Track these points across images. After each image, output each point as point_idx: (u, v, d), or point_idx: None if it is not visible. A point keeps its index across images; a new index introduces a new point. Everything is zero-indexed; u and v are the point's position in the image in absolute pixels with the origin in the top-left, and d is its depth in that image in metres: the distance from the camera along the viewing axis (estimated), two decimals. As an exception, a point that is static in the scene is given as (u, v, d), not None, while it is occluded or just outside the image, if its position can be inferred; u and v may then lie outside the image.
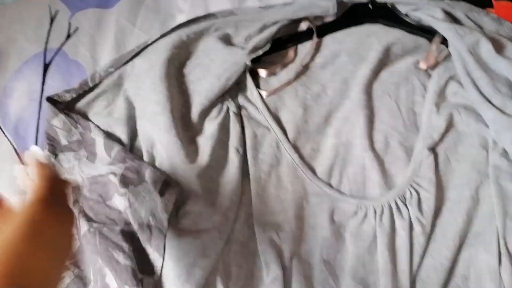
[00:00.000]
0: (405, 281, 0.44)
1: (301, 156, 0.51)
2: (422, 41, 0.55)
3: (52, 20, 0.64)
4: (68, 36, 0.63)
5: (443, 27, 0.52)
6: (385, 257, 0.44)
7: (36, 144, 0.57)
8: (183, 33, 0.57)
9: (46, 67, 0.62)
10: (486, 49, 0.50)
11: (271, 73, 0.56)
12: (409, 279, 0.44)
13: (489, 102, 0.48)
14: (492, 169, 0.47)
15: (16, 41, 0.63)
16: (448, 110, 0.50)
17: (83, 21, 0.64)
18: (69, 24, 0.64)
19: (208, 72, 0.54)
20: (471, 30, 0.51)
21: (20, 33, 0.64)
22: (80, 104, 0.57)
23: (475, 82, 0.49)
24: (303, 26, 0.58)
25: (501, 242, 0.44)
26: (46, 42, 0.63)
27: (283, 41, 0.57)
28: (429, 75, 0.54)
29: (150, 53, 0.58)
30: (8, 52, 0.63)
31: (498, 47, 0.51)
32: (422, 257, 0.45)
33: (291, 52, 0.57)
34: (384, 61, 0.54)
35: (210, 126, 0.51)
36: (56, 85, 0.60)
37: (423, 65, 0.53)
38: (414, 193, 0.47)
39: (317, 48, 0.57)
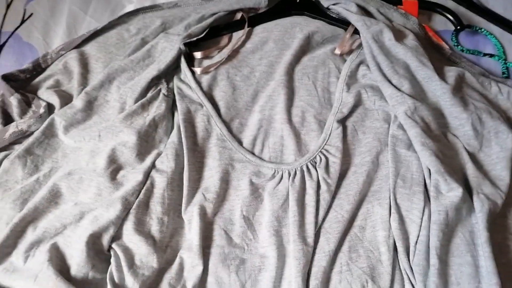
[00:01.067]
0: (310, 232, 0.50)
1: (229, 129, 0.57)
2: (340, 31, 0.63)
3: (8, 6, 0.69)
4: (23, 21, 0.68)
5: (355, 19, 0.60)
6: (294, 212, 0.50)
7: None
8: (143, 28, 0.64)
9: (0, 48, 0.65)
10: (388, 37, 0.58)
11: (206, 56, 0.62)
12: (314, 230, 0.50)
13: (389, 81, 0.56)
14: (390, 138, 0.55)
15: (-28, 25, 0.67)
16: (357, 89, 0.58)
17: (37, 8, 0.69)
18: (24, 10, 0.69)
19: (150, 57, 0.61)
20: (377, 22, 0.59)
21: (-24, 18, 0.68)
22: (32, 84, 0.62)
23: (379, 65, 0.58)
24: (238, 16, 0.65)
25: (391, 196, 0.51)
26: (1, 26, 0.67)
27: (220, 29, 0.64)
28: (344, 60, 0.62)
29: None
30: (-36, 34, 0.66)
31: (401, 37, 0.60)
32: (327, 211, 0.51)
33: (225, 39, 0.64)
34: (306, 47, 0.62)
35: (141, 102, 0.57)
36: (9, 65, 0.64)
37: (337, 51, 0.61)
38: (323, 158, 0.54)
39: (248, 36, 0.64)
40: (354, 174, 0.54)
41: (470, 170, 0.53)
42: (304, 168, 0.54)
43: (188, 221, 0.51)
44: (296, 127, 0.57)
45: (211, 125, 0.57)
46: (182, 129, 0.55)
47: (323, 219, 0.51)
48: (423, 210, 0.50)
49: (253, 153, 0.56)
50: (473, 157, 0.54)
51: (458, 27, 0.66)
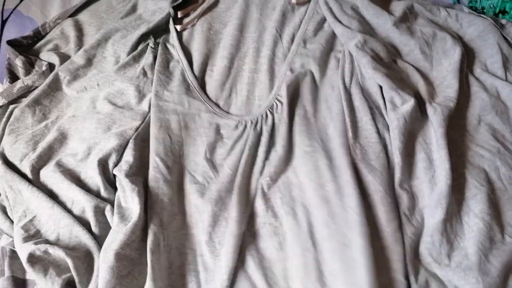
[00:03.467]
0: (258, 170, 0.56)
1: (199, 82, 0.63)
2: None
3: (8, -13, 0.76)
4: (22, -1, 0.75)
5: None
6: (248, 152, 0.56)
7: (-3, 80, 0.68)
8: None
9: (3, 23, 0.73)
10: None
11: (185, 14, 0.68)
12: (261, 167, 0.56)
13: (340, 22, 0.62)
14: (340, 70, 0.60)
15: (-23, 5, 0.75)
16: (312, 44, 0.63)
17: (35, -14, 0.76)
18: (23, -11, 0.76)
19: (140, 19, 0.68)
20: None
21: (-19, -1, 0.75)
22: (34, 48, 0.70)
23: (331, 10, 0.63)
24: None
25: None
26: (3, 4, 0.74)
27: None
28: (305, 12, 0.66)
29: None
30: (-30, 14, 0.74)
31: None
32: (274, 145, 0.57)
33: (200, -1, 0.70)
34: (271, 2, 0.67)
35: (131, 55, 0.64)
36: (12, 36, 0.70)
37: (293, 0, 0.66)
38: (278, 104, 0.59)
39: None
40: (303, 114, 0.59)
41: (422, 87, 0.58)
42: (263, 116, 0.59)
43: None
44: (261, 75, 0.62)
45: (185, 79, 0.63)
46: (155, 79, 0.61)
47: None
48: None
49: (218, 105, 0.61)
50: (425, 77, 0.60)
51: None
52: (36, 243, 0.50)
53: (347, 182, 0.51)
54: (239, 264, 0.50)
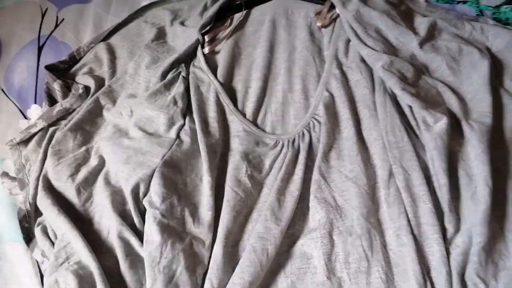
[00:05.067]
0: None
1: (235, 104, 0.63)
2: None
3: (43, 15, 0.78)
4: (56, 25, 0.77)
5: None
6: (285, 169, 0.56)
7: (35, 103, 0.70)
8: (157, 19, 0.73)
9: (40, 49, 0.75)
10: (360, 6, 0.63)
11: (212, 37, 0.69)
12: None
13: (365, 44, 0.61)
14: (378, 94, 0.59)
15: (15, 32, 0.77)
16: (344, 60, 0.63)
17: (67, 14, 0.78)
18: (57, 17, 0.78)
19: (171, 50, 0.68)
20: None
21: (18, 27, 0.77)
22: (70, 72, 0.71)
23: (355, 32, 0.62)
24: (237, 1, 0.71)
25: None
26: (39, 31, 0.76)
27: (223, 13, 0.71)
28: (330, 33, 0.65)
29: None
30: (9, 41, 0.76)
31: (373, 3, 0.65)
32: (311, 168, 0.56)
33: (227, 22, 0.70)
34: (300, 24, 0.67)
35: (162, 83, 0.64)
36: (49, 61, 0.72)
37: (319, 24, 0.66)
38: (315, 123, 0.59)
39: (247, 17, 0.70)
40: (344, 129, 0.58)
41: (454, 104, 0.58)
42: (300, 135, 0.59)
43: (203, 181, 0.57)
44: (296, 94, 0.63)
45: (220, 101, 0.63)
46: (193, 106, 0.62)
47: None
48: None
49: (256, 124, 0.62)
50: (456, 92, 0.59)
51: (432, -17, 0.72)
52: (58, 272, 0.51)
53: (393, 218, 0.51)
54: None
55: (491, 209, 0.49)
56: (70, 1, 0.79)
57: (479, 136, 0.53)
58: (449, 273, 0.48)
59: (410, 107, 0.56)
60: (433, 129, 0.54)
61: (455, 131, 0.56)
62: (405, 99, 0.56)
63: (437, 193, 0.52)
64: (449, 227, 0.50)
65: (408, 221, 0.50)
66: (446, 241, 0.49)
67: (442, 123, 0.54)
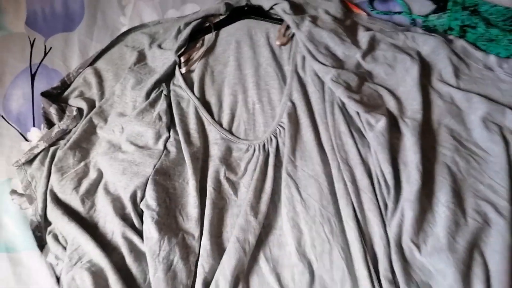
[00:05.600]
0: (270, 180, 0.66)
1: (212, 116, 0.73)
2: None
3: (32, 45, 0.86)
4: (45, 54, 0.85)
5: (286, 18, 0.77)
6: (259, 170, 0.66)
7: (34, 126, 0.78)
8: (136, 43, 0.83)
9: (33, 77, 0.83)
10: (311, 27, 0.74)
11: (187, 58, 0.79)
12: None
13: (318, 61, 0.72)
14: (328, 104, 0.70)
15: (7, 62, 0.85)
16: (302, 76, 0.74)
17: (54, 43, 0.86)
18: (45, 46, 0.86)
19: (152, 71, 0.78)
20: (303, 18, 0.76)
21: (9, 57, 0.85)
22: (63, 96, 0.80)
23: (310, 51, 0.73)
24: (207, 24, 0.82)
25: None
26: (30, 60, 0.84)
27: (195, 35, 0.81)
28: (290, 49, 0.77)
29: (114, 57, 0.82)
30: (3, 71, 0.84)
31: (322, 23, 0.76)
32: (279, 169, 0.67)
33: (199, 43, 0.81)
34: (262, 43, 0.78)
35: (147, 102, 0.74)
36: (42, 87, 0.81)
37: (278, 42, 0.77)
38: (280, 129, 0.70)
39: (216, 37, 0.81)
40: (305, 134, 0.69)
41: (392, 105, 0.69)
42: (268, 139, 0.70)
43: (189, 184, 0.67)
44: (264, 105, 0.73)
45: (199, 115, 0.73)
46: (176, 120, 0.72)
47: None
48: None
49: (231, 132, 0.72)
50: (393, 94, 0.71)
51: (370, -2, 0.84)
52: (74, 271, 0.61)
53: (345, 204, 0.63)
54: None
55: (421, 188, 0.61)
56: (55, 30, 0.87)
57: (412, 131, 0.66)
58: (387, 246, 0.60)
59: (357, 112, 0.68)
60: (375, 128, 0.66)
61: (393, 127, 0.68)
62: (351, 106, 0.67)
63: (380, 181, 0.64)
64: (390, 203, 0.62)
65: (354, 209, 0.62)
66: (387, 216, 0.62)
67: (382, 122, 0.66)
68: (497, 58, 0.73)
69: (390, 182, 0.63)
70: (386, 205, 0.63)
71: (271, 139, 0.70)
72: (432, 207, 0.62)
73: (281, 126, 0.71)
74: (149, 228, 0.62)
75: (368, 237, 0.61)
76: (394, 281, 0.58)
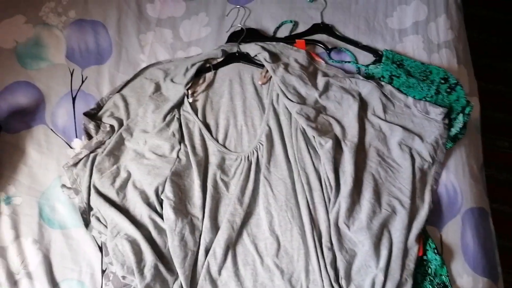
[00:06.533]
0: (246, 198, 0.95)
1: (211, 134, 1.03)
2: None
3: (71, 74, 1.12)
4: (83, 81, 1.12)
5: (266, 64, 1.07)
6: (244, 174, 0.96)
7: (76, 137, 1.05)
8: (153, 76, 1.11)
9: (74, 99, 1.10)
10: (283, 73, 1.05)
11: (194, 91, 1.09)
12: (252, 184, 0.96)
13: (288, 98, 1.03)
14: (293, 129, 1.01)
15: (53, 87, 1.10)
16: (277, 106, 1.05)
17: (89, 73, 1.13)
18: (82, 75, 1.13)
19: (166, 99, 1.07)
20: (279, 65, 1.06)
21: (54, 83, 1.11)
22: (97, 115, 1.07)
23: (282, 90, 1.04)
24: (207, 64, 1.12)
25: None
26: (71, 86, 1.11)
27: (198, 73, 1.10)
28: (268, 87, 1.08)
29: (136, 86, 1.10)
30: (50, 94, 1.10)
31: (292, 69, 1.07)
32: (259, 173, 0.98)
33: (201, 79, 1.10)
34: (248, 82, 1.08)
35: (164, 122, 1.03)
36: (81, 107, 1.07)
37: (260, 82, 1.07)
38: (260, 145, 1.00)
39: (215, 75, 1.11)
40: (278, 152, 0.99)
41: (338, 131, 1.00)
42: (251, 152, 1.00)
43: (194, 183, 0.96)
44: (248, 128, 1.03)
45: (201, 133, 1.02)
46: (185, 136, 1.01)
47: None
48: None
49: (225, 147, 1.01)
50: (339, 123, 1.02)
51: (328, 51, 1.15)
52: (116, 240, 0.89)
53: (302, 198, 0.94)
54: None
55: (353, 188, 0.93)
56: (90, 63, 1.14)
57: (349, 149, 0.97)
58: (329, 226, 0.91)
59: (313, 136, 0.99)
60: (324, 147, 0.97)
61: (337, 147, 0.99)
62: (309, 131, 0.98)
63: (326, 183, 0.95)
64: (332, 198, 0.93)
65: (307, 202, 0.93)
66: (330, 207, 0.93)
67: (329, 143, 0.96)
68: (413, 99, 1.04)
69: (333, 184, 0.94)
70: (329, 200, 0.95)
71: (253, 152, 1.00)
72: (360, 201, 0.94)
73: (260, 143, 1.01)
74: (168, 212, 0.91)
75: (316, 220, 0.93)
76: (332, 249, 0.90)
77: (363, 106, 1.06)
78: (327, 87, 1.07)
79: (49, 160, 1.02)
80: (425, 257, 0.91)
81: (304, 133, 1.01)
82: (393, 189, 0.96)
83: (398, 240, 0.89)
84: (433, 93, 1.05)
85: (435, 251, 0.91)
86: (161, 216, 0.92)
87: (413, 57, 1.13)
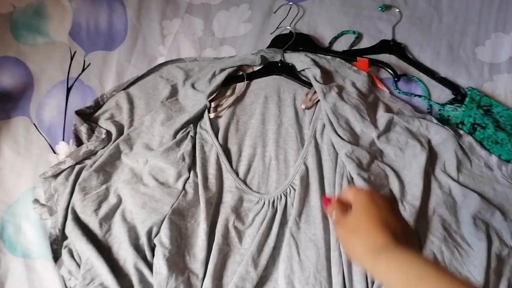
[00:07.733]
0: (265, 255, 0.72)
1: (231, 164, 0.81)
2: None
3: (72, 57, 0.92)
4: (83, 69, 0.91)
5: (316, 86, 0.84)
6: (266, 225, 0.74)
7: (63, 140, 0.85)
8: (171, 76, 0.90)
9: (68, 90, 0.89)
10: (337, 100, 0.82)
11: (217, 104, 0.87)
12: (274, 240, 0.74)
13: (336, 132, 0.80)
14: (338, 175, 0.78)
15: (46, 71, 0.90)
16: (319, 143, 0.82)
17: (93, 59, 0.92)
18: (84, 61, 0.92)
19: (182, 110, 0.85)
20: (331, 88, 0.83)
21: (49, 65, 0.91)
22: (94, 116, 0.87)
23: (331, 122, 0.81)
24: (240, 71, 0.89)
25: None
26: (68, 73, 0.91)
27: (227, 81, 0.88)
28: (312, 113, 0.85)
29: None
30: (40, 78, 0.90)
31: (348, 97, 0.84)
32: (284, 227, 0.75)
33: (230, 90, 0.88)
34: (289, 104, 0.86)
35: (174, 140, 0.81)
36: (76, 102, 0.87)
37: (303, 106, 0.85)
38: (291, 189, 0.78)
39: (247, 88, 0.88)
40: (314, 198, 0.77)
41: (395, 187, 0.77)
42: (278, 196, 0.78)
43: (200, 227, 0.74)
44: (279, 163, 0.81)
45: (219, 161, 0.81)
46: (198, 163, 0.79)
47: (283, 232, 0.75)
48: None
49: (245, 183, 0.79)
50: (398, 176, 0.79)
51: (396, 78, 0.91)
52: None
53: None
54: None
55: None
56: (96, 46, 0.93)
57: (408, 216, 0.74)
58: None
59: None
60: None
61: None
62: (359, 183, 0.76)
63: None
64: None
65: (344, 278, 0.71)
66: None
67: None
68: (498, 159, 0.81)
69: None
70: (373, 281, 0.72)
71: (281, 196, 0.78)
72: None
73: (292, 186, 0.79)
74: (160, 264, 0.70)
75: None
76: None
77: (431, 157, 0.82)
78: (389, 126, 0.84)
79: (25, 164, 0.82)
80: None
81: (351, 183, 0.78)
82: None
83: None
84: (529, 156, 0.81)
85: None
86: (150, 266, 0.71)
87: (505, 104, 0.89)
